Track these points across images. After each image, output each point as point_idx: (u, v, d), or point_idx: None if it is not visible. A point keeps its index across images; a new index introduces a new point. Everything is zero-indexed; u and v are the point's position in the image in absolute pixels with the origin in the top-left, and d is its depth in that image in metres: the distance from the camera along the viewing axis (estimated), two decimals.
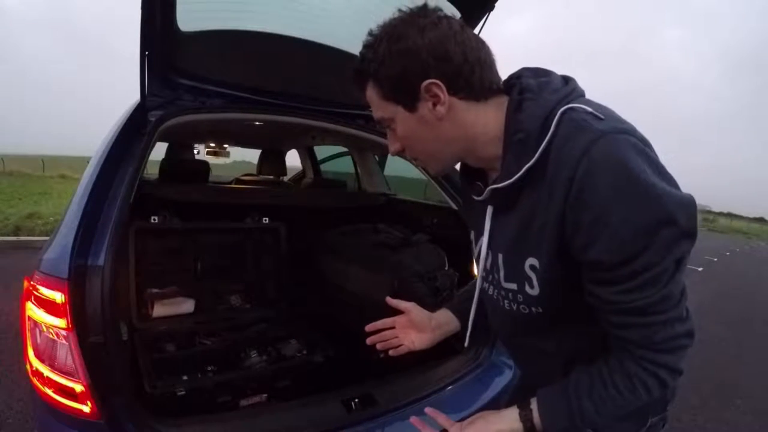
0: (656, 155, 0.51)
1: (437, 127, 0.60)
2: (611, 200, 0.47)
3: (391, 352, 0.84)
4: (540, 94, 0.56)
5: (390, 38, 0.57)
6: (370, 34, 0.60)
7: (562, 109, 0.53)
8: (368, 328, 0.83)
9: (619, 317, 0.53)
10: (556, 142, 0.52)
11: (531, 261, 0.58)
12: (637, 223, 0.47)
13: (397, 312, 0.85)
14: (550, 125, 0.53)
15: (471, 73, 0.57)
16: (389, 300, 0.84)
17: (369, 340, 0.84)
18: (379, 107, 0.62)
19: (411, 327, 0.84)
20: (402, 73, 0.57)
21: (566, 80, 0.60)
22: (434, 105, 0.58)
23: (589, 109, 0.52)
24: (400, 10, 0.59)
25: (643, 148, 0.49)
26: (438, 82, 0.56)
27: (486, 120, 0.59)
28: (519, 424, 0.62)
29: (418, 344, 0.83)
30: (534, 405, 0.62)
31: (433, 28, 0.56)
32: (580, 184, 0.49)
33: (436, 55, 0.55)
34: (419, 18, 0.57)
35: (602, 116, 0.51)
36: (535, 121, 0.54)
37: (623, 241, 0.48)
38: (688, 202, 0.49)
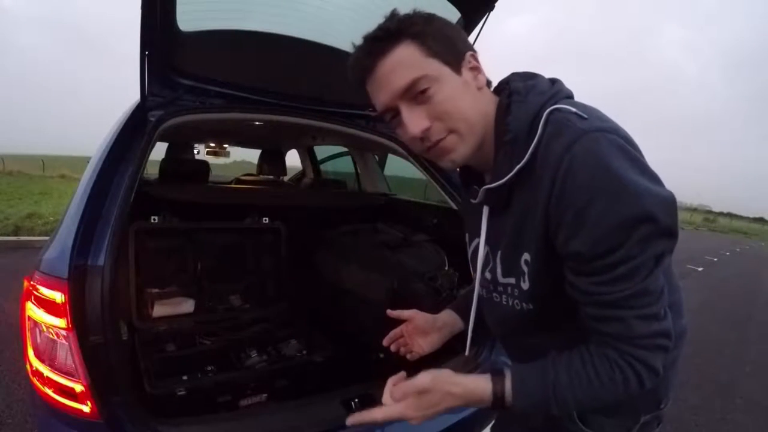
0: (640, 153, 0.52)
1: (477, 97, 0.60)
2: (591, 195, 0.48)
3: (408, 357, 0.85)
4: (526, 97, 0.58)
5: (426, 14, 0.59)
6: (393, 13, 0.59)
7: (549, 109, 0.55)
8: (385, 343, 0.86)
9: (596, 309, 0.54)
10: (543, 141, 0.54)
11: (525, 256, 0.60)
12: (615, 218, 0.48)
13: (399, 322, 0.87)
14: (538, 126, 0.55)
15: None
16: (390, 312, 0.85)
17: (393, 347, 0.86)
18: (420, 65, 0.56)
19: (416, 333, 0.85)
20: (451, 36, 0.59)
21: (553, 82, 0.62)
22: (475, 75, 0.60)
23: (573, 110, 0.54)
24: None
25: (624, 146, 0.51)
26: (476, 54, 0.60)
27: (492, 110, 0.61)
28: (488, 386, 0.59)
29: (427, 348, 0.84)
30: (508, 374, 0.60)
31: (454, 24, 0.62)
32: (562, 181, 0.50)
33: (467, 38, 0.62)
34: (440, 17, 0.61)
35: (586, 116, 0.53)
36: (523, 122, 0.56)
37: (601, 235, 0.49)
38: (669, 200, 0.50)
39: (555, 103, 0.56)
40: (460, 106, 0.58)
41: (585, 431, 0.70)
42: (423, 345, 0.84)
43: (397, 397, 0.62)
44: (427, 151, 0.61)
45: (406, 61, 0.56)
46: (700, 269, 8.09)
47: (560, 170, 0.50)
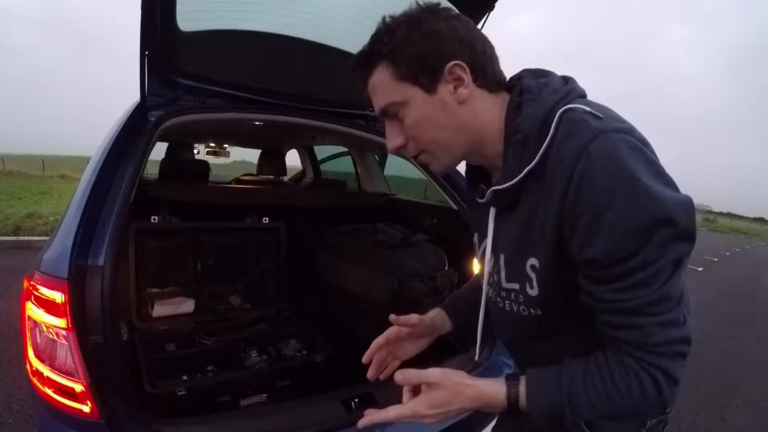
0: (655, 155, 0.50)
1: (455, 113, 0.58)
2: (608, 199, 0.47)
3: (381, 377, 0.79)
4: (539, 95, 0.57)
5: (411, 22, 0.57)
6: (383, 21, 0.59)
7: (562, 109, 0.53)
8: (365, 360, 0.78)
9: (614, 317, 0.52)
10: (556, 142, 0.52)
11: (532, 261, 0.58)
12: (633, 222, 0.47)
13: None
14: (550, 126, 0.53)
15: (488, 63, 0.59)
16: (394, 319, 0.78)
17: (370, 376, 0.80)
18: (391, 91, 0.59)
19: (411, 338, 0.80)
20: (425, 52, 0.56)
21: (566, 80, 0.60)
22: (455, 88, 0.58)
23: (588, 109, 0.53)
24: (417, 4, 0.59)
25: (641, 147, 0.49)
26: (462, 63, 0.57)
27: (494, 113, 0.60)
28: (503, 389, 0.57)
29: (413, 352, 0.80)
30: (522, 379, 0.58)
31: (454, 19, 0.58)
32: (578, 183, 0.49)
33: (460, 39, 0.57)
34: (438, 10, 0.58)
35: (601, 115, 0.52)
36: (534, 121, 0.55)
37: (619, 239, 0.47)
38: (687, 203, 0.48)
39: (568, 103, 0.55)
40: (428, 130, 0.60)
41: None
42: (411, 350, 0.80)
43: (400, 379, 0.60)
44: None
45: (379, 86, 0.60)
46: (700, 269, 8.08)
47: (575, 172, 0.49)
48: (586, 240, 0.49)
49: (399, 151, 0.63)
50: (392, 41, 0.56)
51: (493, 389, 0.58)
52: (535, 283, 0.58)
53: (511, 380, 0.58)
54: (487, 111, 0.60)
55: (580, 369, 0.56)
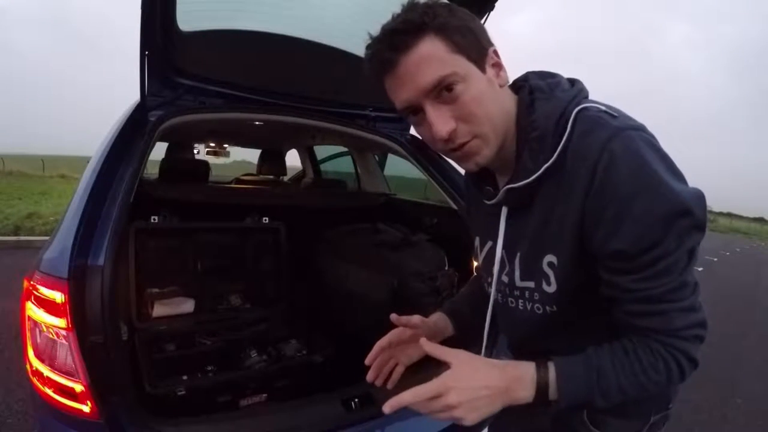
0: (665, 152, 0.52)
1: (500, 95, 0.58)
2: (632, 192, 0.49)
3: (389, 385, 0.78)
4: (552, 94, 0.58)
5: (446, 5, 0.55)
6: (410, 3, 0.55)
7: (577, 107, 0.54)
8: (367, 361, 0.77)
9: (637, 305, 0.54)
10: (575, 138, 0.53)
11: (549, 258, 0.58)
12: (657, 213, 0.48)
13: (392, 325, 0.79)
14: (566, 123, 0.54)
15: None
16: (395, 319, 0.78)
17: (369, 379, 0.79)
18: (448, 62, 0.52)
19: (413, 341, 0.78)
20: (474, 30, 0.56)
21: (572, 82, 0.61)
22: (497, 72, 0.58)
23: (603, 108, 0.55)
24: None
25: (656, 144, 0.52)
26: (497, 50, 0.58)
27: (513, 108, 0.60)
28: (530, 369, 0.56)
29: (416, 356, 0.79)
30: (550, 363, 0.56)
31: (475, 18, 0.59)
32: (602, 178, 0.50)
33: (487, 33, 0.59)
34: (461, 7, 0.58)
35: (616, 114, 0.54)
36: (550, 119, 0.55)
37: (644, 231, 0.49)
38: (700, 196, 0.51)
39: (580, 102, 0.56)
40: (487, 108, 0.55)
41: None
42: (413, 354, 0.79)
43: (430, 350, 0.61)
44: (450, 152, 0.58)
45: (432, 57, 0.52)
46: (700, 269, 8.08)
47: (599, 167, 0.50)
48: (612, 231, 0.51)
49: (449, 136, 0.55)
50: (441, 14, 0.53)
51: (524, 368, 0.57)
52: (552, 280, 0.59)
53: (541, 364, 0.57)
54: (512, 102, 0.60)
55: (607, 351, 0.56)
